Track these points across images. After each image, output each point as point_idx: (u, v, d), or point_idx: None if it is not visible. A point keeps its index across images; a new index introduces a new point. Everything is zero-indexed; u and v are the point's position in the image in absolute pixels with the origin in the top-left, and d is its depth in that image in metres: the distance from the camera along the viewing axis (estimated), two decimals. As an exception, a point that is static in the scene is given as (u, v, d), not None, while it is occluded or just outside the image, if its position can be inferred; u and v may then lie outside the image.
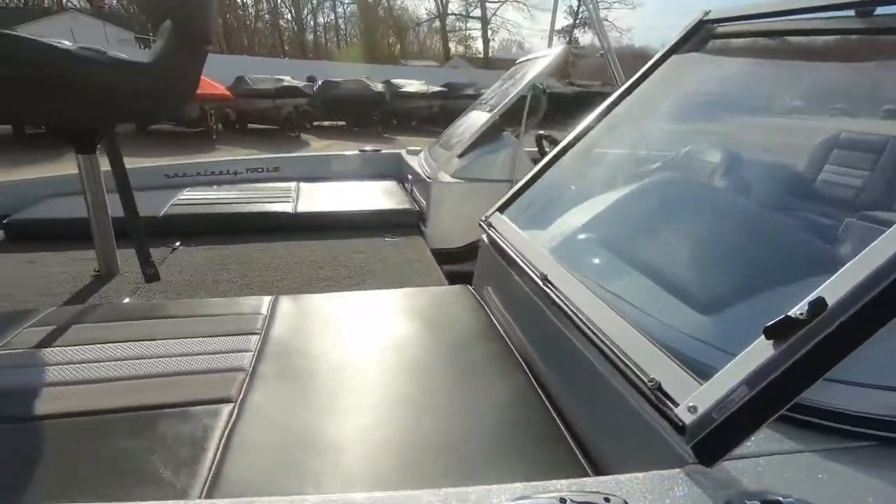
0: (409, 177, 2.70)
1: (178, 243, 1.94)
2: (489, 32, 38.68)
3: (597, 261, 1.15)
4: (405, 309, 1.32)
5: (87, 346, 1.06)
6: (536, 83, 2.39)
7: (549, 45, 3.24)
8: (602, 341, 0.82)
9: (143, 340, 1.09)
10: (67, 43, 1.29)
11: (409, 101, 14.48)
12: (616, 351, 0.78)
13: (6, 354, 1.02)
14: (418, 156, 2.91)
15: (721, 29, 1.35)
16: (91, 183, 1.53)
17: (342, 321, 1.25)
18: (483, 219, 1.45)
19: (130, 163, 1.52)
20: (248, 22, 36.35)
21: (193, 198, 2.31)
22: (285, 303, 1.32)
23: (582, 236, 1.24)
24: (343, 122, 14.65)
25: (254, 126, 12.15)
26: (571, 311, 0.93)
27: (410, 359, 1.09)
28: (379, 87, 13.84)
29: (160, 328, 1.14)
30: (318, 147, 11.72)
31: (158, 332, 1.12)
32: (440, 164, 2.38)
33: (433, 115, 14.64)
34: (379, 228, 2.24)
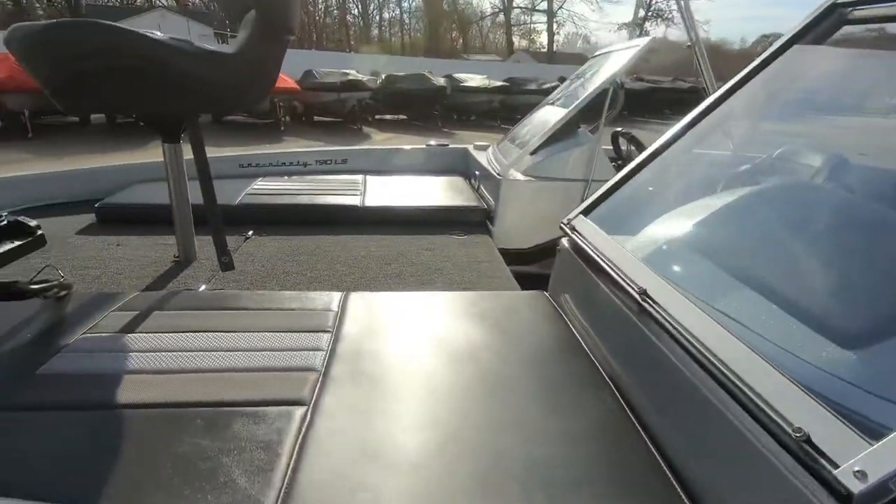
0: (476, 173, 2.62)
1: (250, 232, 1.97)
2: (554, 26, 37.78)
3: (707, 277, 1.02)
4: (479, 313, 1.25)
5: (166, 334, 1.06)
6: (618, 77, 2.23)
7: (632, 36, 3.04)
8: (723, 374, 0.71)
9: (218, 332, 1.08)
10: (159, 33, 1.32)
11: (470, 96, 14.42)
12: (743, 387, 0.67)
13: (94, 338, 1.04)
14: (486, 151, 2.83)
15: (858, 13, 1.17)
16: (174, 171, 1.57)
17: (414, 322, 1.20)
18: (565, 221, 1.35)
19: (206, 151, 1.54)
20: (317, 17, 37.62)
21: (266, 188, 2.35)
22: (356, 300, 1.28)
23: (688, 248, 1.10)
24: (404, 116, 14.83)
25: (319, 118, 12.52)
26: (679, 333, 0.82)
27: (487, 369, 1.02)
28: (440, 81, 13.87)
29: (235, 320, 1.14)
30: (379, 140, 11.93)
31: (233, 324, 1.11)
32: (511, 160, 2.28)
33: (493, 110, 14.51)
34: (446, 225, 2.18)
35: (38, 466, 0.73)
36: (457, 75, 14.87)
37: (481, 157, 2.68)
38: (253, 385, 0.91)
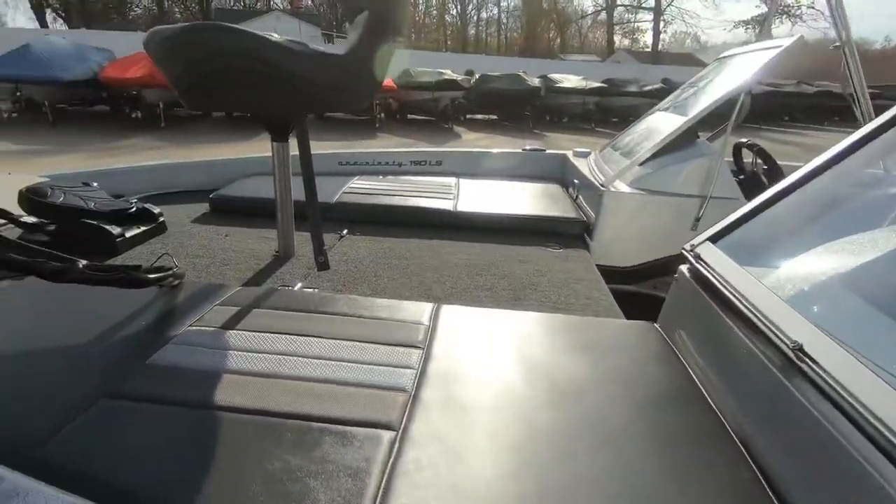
0: (575, 181, 2.47)
1: (345, 231, 2.00)
2: (661, 24, 35.50)
3: (886, 335, 0.82)
4: (581, 342, 1.14)
5: (263, 334, 1.07)
6: (754, 83, 1.97)
7: (762, 35, 2.70)
8: None
9: (311, 336, 1.07)
10: (276, 36, 1.35)
11: (564, 97, 14.02)
12: None
13: (198, 331, 1.08)
14: (587, 159, 2.65)
15: None
16: (281, 169, 1.62)
17: (509, 345, 1.11)
18: (688, 247, 1.18)
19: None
20: (417, 18, 38.71)
21: (362, 187, 2.38)
22: (447, 314, 1.22)
23: (856, 294, 0.91)
24: (495, 116, 14.74)
25: (412, 116, 12.82)
26: (850, 404, 0.65)
27: (593, 410, 0.91)
28: (535, 81, 13.61)
29: (328, 325, 1.12)
30: (469, 139, 11.97)
31: (326, 330, 1.10)
32: (617, 170, 2.11)
33: (588, 113, 13.99)
34: (541, 235, 2.06)
35: (133, 459, 0.74)
36: (552, 75, 14.50)
37: (581, 165, 2.52)
38: (343, 400, 0.88)
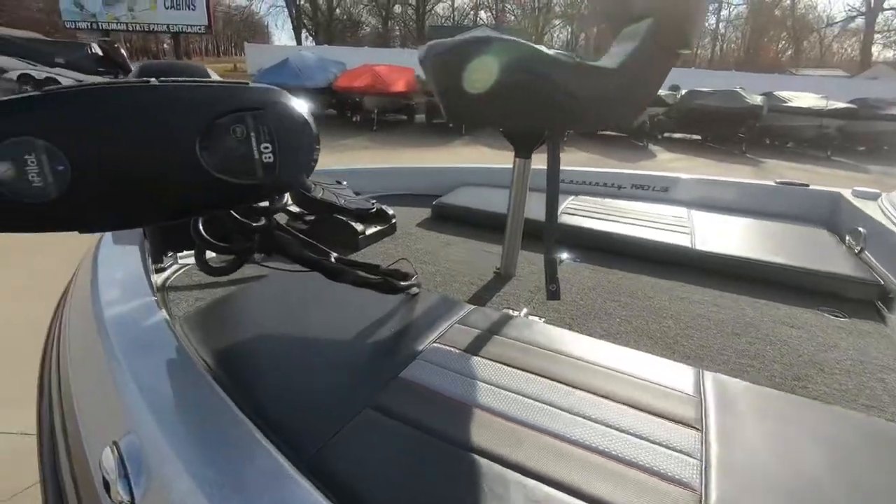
0: (860, 230, 1.92)
1: (564, 255, 1.86)
2: (947, 31, 27.55)
3: None
4: None
5: (505, 368, 0.99)
6: None
7: None
8: None
9: (559, 382, 0.95)
10: (545, 48, 1.27)
11: (792, 119, 11.94)
12: None
13: (442, 350, 1.04)
14: (877, 201, 2.06)
15: None
16: (518, 185, 1.55)
17: (822, 451, 0.83)
18: None
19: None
20: (618, 30, 37.13)
21: (580, 208, 2.22)
22: (718, 386, 0.98)
23: None
24: (697, 136, 13.29)
25: (602, 132, 12.24)
26: None
27: None
28: (757, 99, 11.86)
29: (574, 371, 0.99)
30: (663, 160, 10.98)
31: (574, 377, 0.96)
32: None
33: (825, 138, 11.69)
34: (809, 294, 1.63)
35: (386, 483, 0.70)
36: (779, 93, 12.44)
37: (870, 209, 1.96)
38: (616, 483, 0.73)
